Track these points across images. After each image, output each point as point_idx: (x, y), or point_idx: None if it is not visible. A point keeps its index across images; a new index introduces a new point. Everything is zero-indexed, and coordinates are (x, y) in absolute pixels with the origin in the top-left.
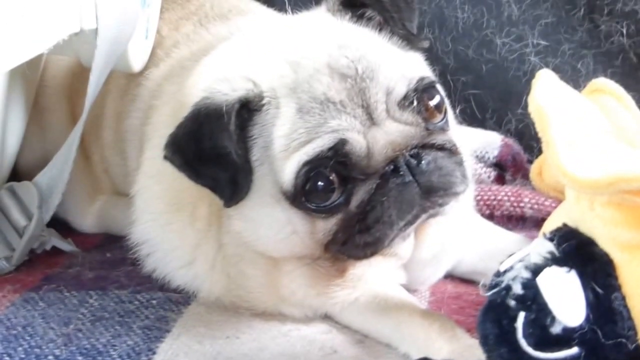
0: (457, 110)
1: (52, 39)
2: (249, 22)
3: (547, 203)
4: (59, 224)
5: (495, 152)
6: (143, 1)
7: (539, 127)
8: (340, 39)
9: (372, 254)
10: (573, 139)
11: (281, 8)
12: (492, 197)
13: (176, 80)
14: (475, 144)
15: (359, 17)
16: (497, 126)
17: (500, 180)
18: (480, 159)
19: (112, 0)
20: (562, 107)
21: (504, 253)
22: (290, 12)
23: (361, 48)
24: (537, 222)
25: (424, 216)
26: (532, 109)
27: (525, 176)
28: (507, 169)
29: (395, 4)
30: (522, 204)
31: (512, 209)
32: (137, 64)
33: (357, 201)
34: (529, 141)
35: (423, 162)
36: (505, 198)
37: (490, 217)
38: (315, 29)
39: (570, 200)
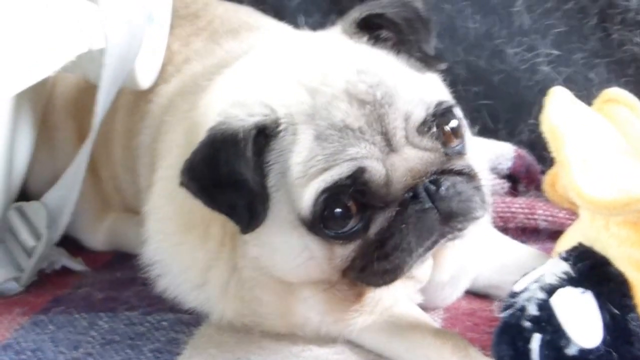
0: (469, 121)
1: (60, 61)
2: (262, 39)
3: (560, 215)
4: (68, 241)
5: (509, 164)
6: (150, 17)
7: (553, 147)
8: (358, 64)
9: (391, 281)
10: (588, 159)
11: (291, 20)
12: (506, 209)
13: (190, 98)
14: (489, 155)
15: (375, 39)
16: (510, 136)
17: (513, 191)
18: (493, 170)
19: (119, 18)
20: (576, 125)
21: (519, 266)
22: (303, 25)
23: (379, 73)
24: (551, 234)
25: (442, 241)
26: (545, 128)
27: (539, 187)
28: (520, 181)
29: (411, 25)
30: (535, 216)
31: (525, 221)
32: (145, 81)
33: (376, 228)
34: (541, 151)
35: (442, 187)
36: (519, 210)
37: (504, 229)
38: (332, 52)
39: (585, 220)
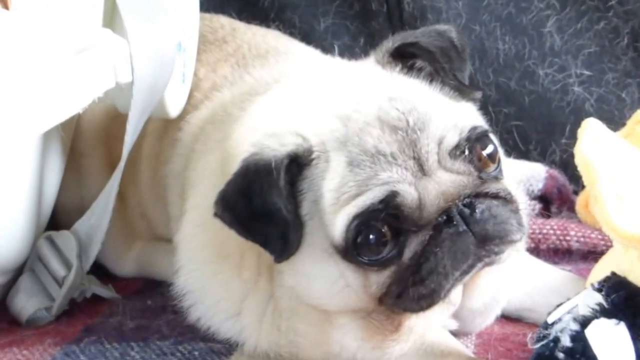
0: (500, 142)
1: (87, 98)
2: (291, 65)
3: (593, 235)
4: (98, 268)
5: (540, 185)
6: (179, 46)
7: (587, 181)
8: (390, 92)
9: (429, 306)
10: (621, 193)
11: (319, 43)
12: (537, 231)
13: (222, 127)
14: (520, 176)
15: (409, 68)
16: (541, 157)
17: (545, 212)
18: (525, 191)
19: (147, 51)
20: (610, 159)
21: (551, 289)
22: (331, 48)
23: (412, 100)
24: (583, 255)
25: (479, 265)
26: (578, 161)
27: (571, 208)
28: (552, 202)
29: (446, 54)
30: (568, 237)
31: (558, 242)
32: (174, 110)
33: (410, 253)
34: (574, 172)
35: (477, 211)
36: (552, 231)
37: (536, 250)
38: (365, 82)
39: (619, 250)
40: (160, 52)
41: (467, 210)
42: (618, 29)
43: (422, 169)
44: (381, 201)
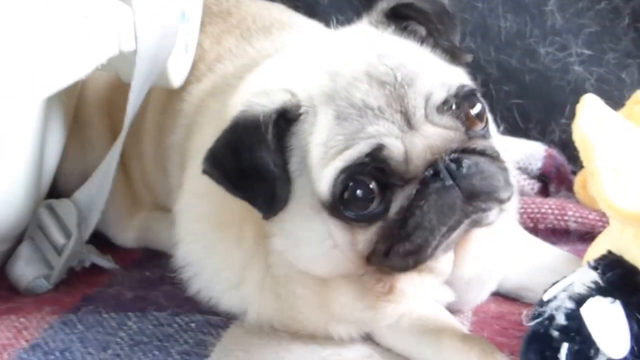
0: (499, 120)
1: (90, 64)
2: (293, 37)
3: (591, 216)
4: (98, 238)
5: (539, 164)
6: (182, 15)
7: (584, 157)
8: (379, 49)
9: (416, 263)
10: (618, 169)
11: (323, 17)
12: (536, 210)
13: (220, 98)
14: (519, 154)
15: (402, 30)
16: (541, 136)
17: (544, 192)
18: (523, 170)
19: (151, 20)
20: (607, 135)
21: (549, 268)
22: (334, 21)
23: (401, 57)
24: (581, 236)
25: (466, 221)
26: (576, 137)
27: (570, 188)
28: (551, 181)
29: (439, 16)
30: (566, 217)
31: (556, 222)
32: (177, 80)
33: (397, 208)
34: (573, 151)
35: (464, 165)
36: (549, 211)
37: (534, 230)
38: (355, 40)
39: (615, 228)
40: (164, 21)
41: (453, 165)
42: (619, 9)
43: (409, 123)
44: (368, 154)
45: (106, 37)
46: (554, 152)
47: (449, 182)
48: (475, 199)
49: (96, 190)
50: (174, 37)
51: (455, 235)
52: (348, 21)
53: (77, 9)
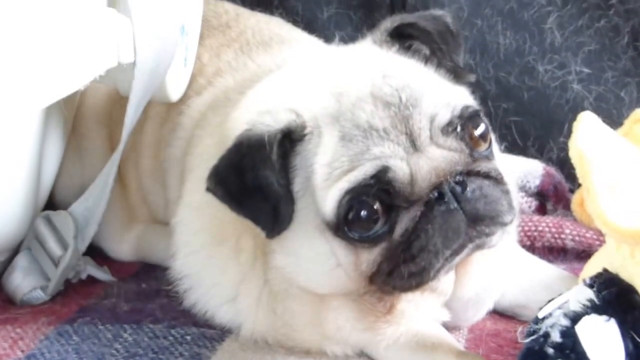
0: (498, 137)
1: (89, 75)
2: (294, 53)
3: (588, 235)
4: (94, 250)
5: (537, 182)
6: (182, 29)
7: (580, 173)
8: (384, 69)
9: (418, 285)
10: (614, 186)
11: (322, 33)
12: (533, 228)
13: (221, 112)
14: (517, 172)
15: (405, 50)
16: (539, 154)
17: (541, 210)
18: (521, 188)
19: (150, 32)
20: (604, 152)
21: (545, 286)
22: (334, 37)
23: (405, 77)
24: (578, 254)
25: (470, 246)
26: (572, 154)
27: (567, 206)
28: (548, 199)
29: (442, 36)
30: (563, 236)
31: (553, 240)
32: (175, 94)
33: (401, 230)
34: (570, 170)
35: (468, 189)
36: (547, 229)
37: (531, 248)
38: (360, 60)
39: (611, 246)
40: (163, 34)
41: (458, 188)
42: (618, 28)
43: (414, 145)
44: (373, 176)
45: (105, 47)
46: (552, 170)
47: (454, 205)
48: (480, 223)
49: (93, 203)
50: (173, 50)
51: (458, 258)
52: (347, 37)
53: (76, 19)
